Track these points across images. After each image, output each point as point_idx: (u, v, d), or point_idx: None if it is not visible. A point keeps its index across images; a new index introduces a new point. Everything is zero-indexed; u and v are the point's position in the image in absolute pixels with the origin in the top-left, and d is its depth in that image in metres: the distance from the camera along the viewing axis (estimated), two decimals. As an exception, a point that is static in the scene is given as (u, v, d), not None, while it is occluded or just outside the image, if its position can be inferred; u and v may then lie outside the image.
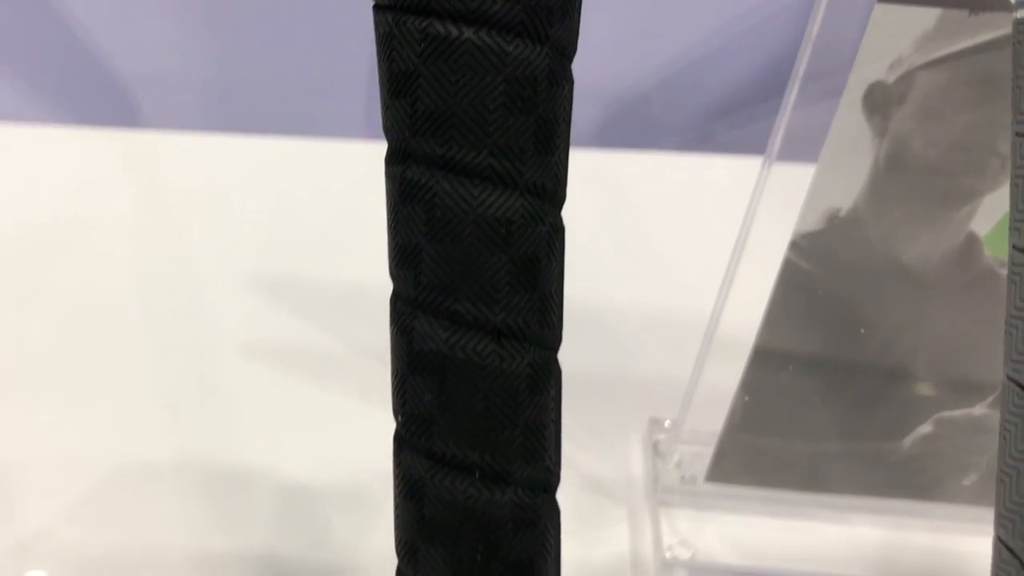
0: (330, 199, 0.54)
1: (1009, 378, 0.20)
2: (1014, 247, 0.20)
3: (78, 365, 0.46)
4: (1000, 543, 0.20)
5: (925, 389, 0.37)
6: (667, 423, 0.43)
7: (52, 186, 0.54)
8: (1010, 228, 0.20)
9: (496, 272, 0.18)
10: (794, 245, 0.34)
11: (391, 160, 0.19)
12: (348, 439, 0.44)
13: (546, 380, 0.19)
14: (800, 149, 0.33)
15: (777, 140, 0.32)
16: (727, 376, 0.39)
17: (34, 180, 0.55)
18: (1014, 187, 0.20)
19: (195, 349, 0.47)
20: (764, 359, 0.37)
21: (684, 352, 0.40)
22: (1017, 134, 0.20)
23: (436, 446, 0.19)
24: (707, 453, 0.40)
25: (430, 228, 0.18)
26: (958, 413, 0.37)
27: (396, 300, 0.19)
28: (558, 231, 0.19)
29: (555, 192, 0.19)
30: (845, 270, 0.34)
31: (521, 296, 0.18)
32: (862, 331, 0.33)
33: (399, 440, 0.19)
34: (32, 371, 0.46)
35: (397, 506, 0.20)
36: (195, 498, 0.42)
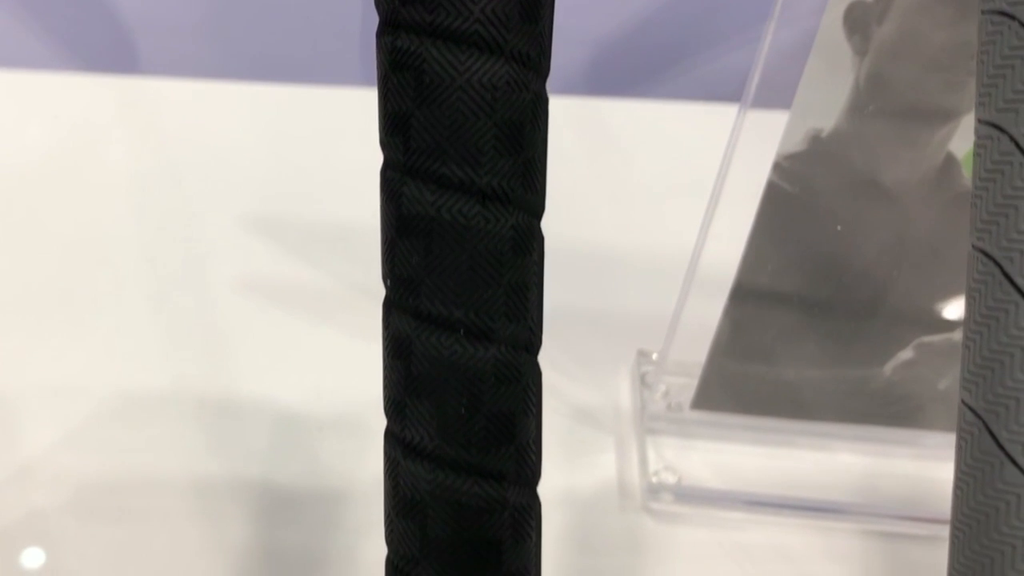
0: (324, 144, 0.55)
1: (974, 247, 0.20)
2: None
3: (77, 299, 0.47)
4: (964, 406, 0.21)
5: (906, 315, 0.38)
6: (654, 356, 0.44)
7: (51, 130, 0.55)
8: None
9: (482, 136, 0.19)
10: (777, 166, 0.34)
11: (381, 32, 0.19)
12: (340, 371, 0.45)
13: (529, 243, 0.20)
14: (775, 95, 0.34)
15: (753, 84, 0.33)
16: (712, 309, 0.40)
17: (33, 124, 0.55)
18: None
19: (192, 286, 0.48)
20: (747, 287, 0.38)
21: (673, 288, 0.41)
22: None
23: (423, 305, 0.19)
24: (693, 384, 0.41)
25: (419, 94, 0.19)
26: (938, 338, 0.38)
27: (386, 170, 0.20)
28: (542, 100, 0.20)
29: (539, 62, 0.19)
30: (826, 192, 0.35)
31: (506, 160, 0.19)
32: (839, 228, 0.34)
33: (388, 304, 0.20)
34: (33, 304, 0.47)
35: (386, 367, 0.20)
36: (191, 426, 0.43)
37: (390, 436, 0.20)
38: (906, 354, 0.38)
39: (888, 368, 0.39)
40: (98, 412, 0.43)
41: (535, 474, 0.20)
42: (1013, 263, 0.20)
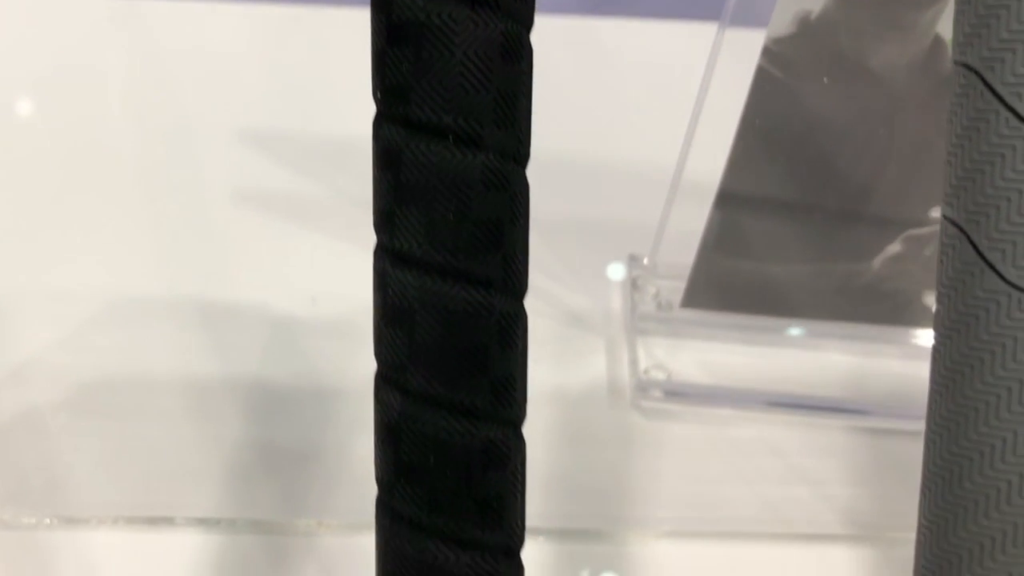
0: (321, 61, 0.55)
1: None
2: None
3: (75, 209, 0.47)
4: (946, 220, 0.21)
5: (894, 206, 0.38)
6: (645, 260, 0.44)
7: (51, 46, 0.55)
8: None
9: None
10: (767, 51, 0.35)
11: None
12: (335, 278, 0.45)
13: (519, 51, 0.20)
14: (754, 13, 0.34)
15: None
16: (701, 212, 0.40)
17: (32, 41, 0.55)
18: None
19: (188, 195, 0.48)
20: (734, 186, 0.38)
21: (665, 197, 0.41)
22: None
23: (412, 113, 0.20)
24: (683, 287, 0.42)
25: None
26: (926, 231, 0.38)
27: None
28: None
29: None
30: (815, 77, 0.35)
31: None
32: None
33: (378, 118, 0.20)
34: (30, 210, 0.47)
35: (376, 180, 0.21)
36: (187, 330, 0.43)
37: (379, 249, 0.21)
38: (894, 248, 0.39)
39: (876, 262, 0.39)
40: (95, 316, 0.44)
41: (522, 285, 0.21)
42: (999, 72, 0.20)
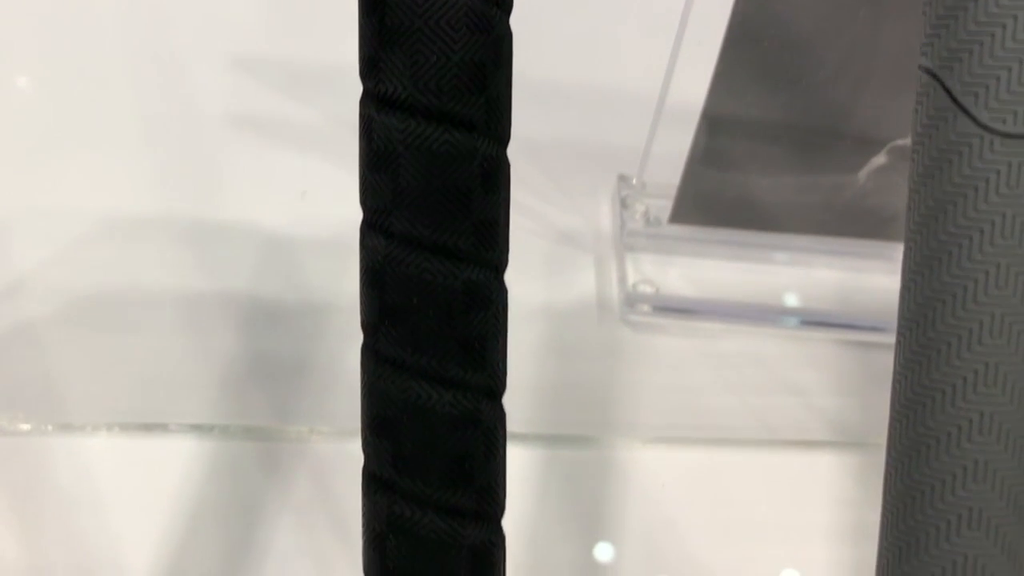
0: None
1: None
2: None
3: (68, 131, 0.47)
4: (920, 70, 0.22)
5: (879, 117, 0.39)
6: (634, 180, 0.44)
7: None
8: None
9: None
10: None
11: None
12: (326, 199, 0.46)
13: None
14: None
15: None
16: (689, 132, 0.40)
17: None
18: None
19: (181, 120, 0.48)
20: (720, 102, 0.39)
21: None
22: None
23: None
24: (671, 206, 0.42)
25: None
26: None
27: None
28: None
29: None
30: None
31: None
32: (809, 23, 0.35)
33: None
34: (24, 131, 0.47)
35: (360, 25, 0.21)
36: (179, 248, 0.44)
37: (364, 96, 0.21)
38: (879, 160, 0.39)
39: (862, 175, 0.40)
40: (88, 234, 0.44)
41: (504, 131, 0.21)
42: None
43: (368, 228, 0.21)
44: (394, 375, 0.21)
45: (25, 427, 0.38)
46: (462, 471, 0.21)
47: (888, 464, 0.22)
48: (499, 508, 0.22)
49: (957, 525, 0.21)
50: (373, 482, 0.22)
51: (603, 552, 0.37)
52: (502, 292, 0.22)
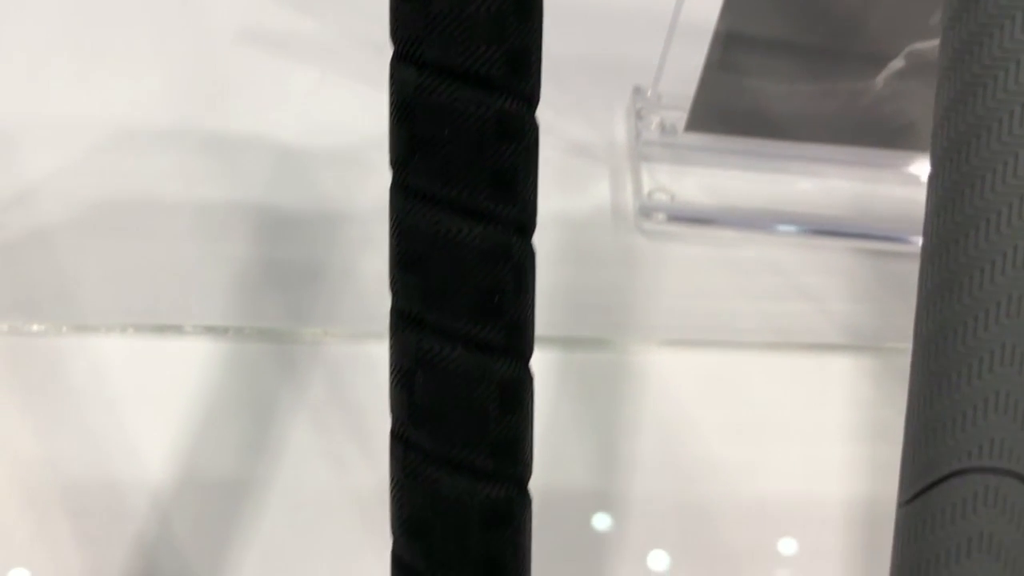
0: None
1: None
2: None
3: (77, 44, 0.47)
4: None
5: (897, 19, 0.38)
6: (649, 92, 0.44)
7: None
8: None
9: None
10: None
11: None
12: (342, 110, 0.45)
13: None
14: None
15: None
16: (704, 44, 0.40)
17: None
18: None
19: (193, 34, 0.48)
20: (734, 19, 0.38)
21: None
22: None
23: None
24: (686, 117, 0.42)
25: None
26: (929, 45, 0.39)
27: None
28: None
29: None
30: None
31: None
32: None
33: None
34: (37, 41, 0.47)
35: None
36: (192, 157, 0.44)
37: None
38: (897, 63, 0.39)
39: (879, 80, 0.40)
40: (100, 143, 0.44)
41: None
42: None
43: (399, 60, 0.21)
44: (423, 209, 0.21)
45: (39, 328, 0.38)
46: (492, 305, 0.21)
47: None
48: (528, 347, 0.22)
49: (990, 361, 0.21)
50: (401, 319, 0.21)
51: (619, 450, 0.37)
52: (534, 126, 0.22)
